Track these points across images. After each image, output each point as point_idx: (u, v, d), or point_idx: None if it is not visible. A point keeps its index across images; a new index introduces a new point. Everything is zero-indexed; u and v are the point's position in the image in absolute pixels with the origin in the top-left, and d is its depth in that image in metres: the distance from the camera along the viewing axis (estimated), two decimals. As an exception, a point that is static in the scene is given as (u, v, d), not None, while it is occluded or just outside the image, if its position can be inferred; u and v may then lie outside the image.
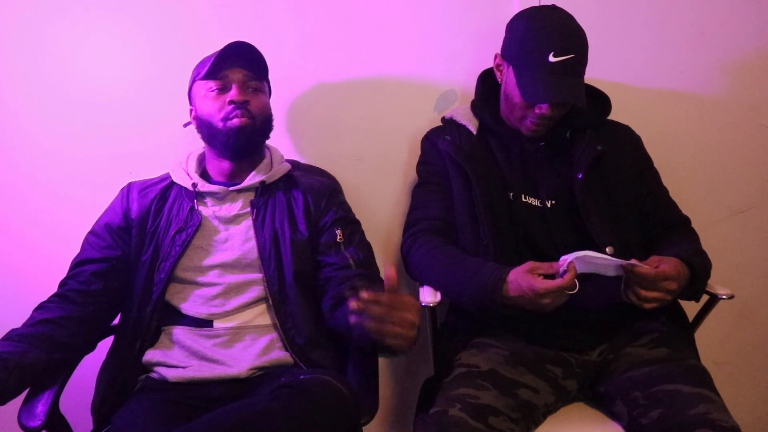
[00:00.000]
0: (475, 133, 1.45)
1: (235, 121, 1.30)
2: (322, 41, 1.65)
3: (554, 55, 1.28)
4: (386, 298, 1.00)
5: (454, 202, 1.42)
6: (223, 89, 1.32)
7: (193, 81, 1.37)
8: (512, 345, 1.27)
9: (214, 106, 1.32)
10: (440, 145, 1.45)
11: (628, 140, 1.46)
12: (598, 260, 1.16)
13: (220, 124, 1.31)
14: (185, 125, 1.43)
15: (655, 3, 1.66)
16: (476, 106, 1.48)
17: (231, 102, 1.30)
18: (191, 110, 1.39)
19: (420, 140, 1.55)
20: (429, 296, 1.31)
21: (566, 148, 1.40)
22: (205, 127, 1.34)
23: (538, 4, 1.65)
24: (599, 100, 1.46)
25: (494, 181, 1.39)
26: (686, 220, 1.45)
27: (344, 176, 1.61)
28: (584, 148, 1.38)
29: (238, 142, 1.31)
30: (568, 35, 1.30)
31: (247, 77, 1.33)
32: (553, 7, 1.35)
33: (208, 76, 1.32)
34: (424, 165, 1.52)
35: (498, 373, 1.20)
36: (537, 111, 1.32)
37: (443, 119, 1.52)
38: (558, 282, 1.13)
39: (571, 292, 1.15)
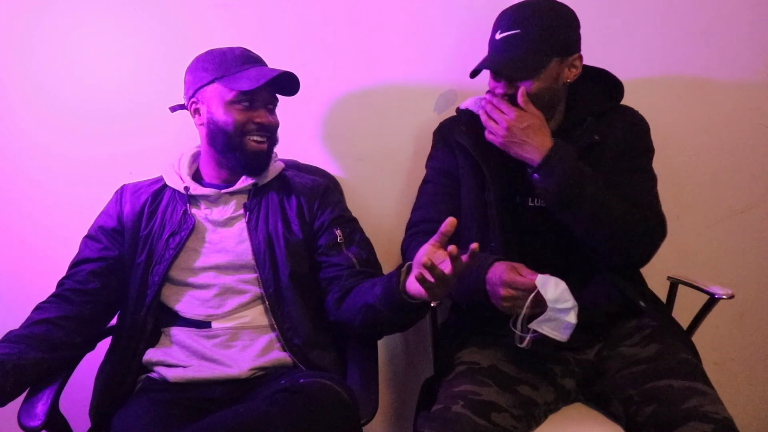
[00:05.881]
0: None
1: (257, 146, 1.31)
2: (322, 42, 1.65)
3: (500, 32, 1.30)
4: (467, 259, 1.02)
5: (461, 202, 1.39)
6: (250, 105, 1.30)
7: (212, 80, 1.31)
8: (511, 342, 1.26)
9: (239, 120, 1.29)
10: (457, 138, 1.40)
11: (628, 128, 1.38)
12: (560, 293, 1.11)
13: (237, 139, 1.30)
14: (173, 109, 1.40)
15: (656, 2, 1.66)
16: None
17: (259, 124, 1.30)
18: (193, 102, 1.35)
19: (419, 137, 1.52)
20: None
21: (564, 137, 1.34)
22: (221, 135, 1.31)
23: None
24: (608, 87, 1.41)
25: (507, 181, 1.35)
26: (648, 210, 1.32)
27: (344, 176, 1.61)
28: (579, 136, 1.34)
29: (259, 164, 1.33)
30: (518, 12, 1.30)
31: (271, 97, 1.34)
32: None
33: (243, 92, 1.28)
34: (432, 161, 1.48)
35: (499, 369, 1.20)
36: (489, 89, 1.33)
37: (458, 110, 1.46)
38: (521, 278, 1.13)
39: (521, 333, 1.14)
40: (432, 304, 1.24)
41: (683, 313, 1.44)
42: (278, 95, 1.38)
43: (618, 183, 1.30)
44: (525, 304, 1.12)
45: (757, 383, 1.84)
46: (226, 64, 1.31)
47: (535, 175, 1.26)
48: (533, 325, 1.11)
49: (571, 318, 1.09)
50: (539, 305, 1.10)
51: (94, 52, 1.61)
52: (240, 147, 1.30)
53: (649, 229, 1.30)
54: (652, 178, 1.38)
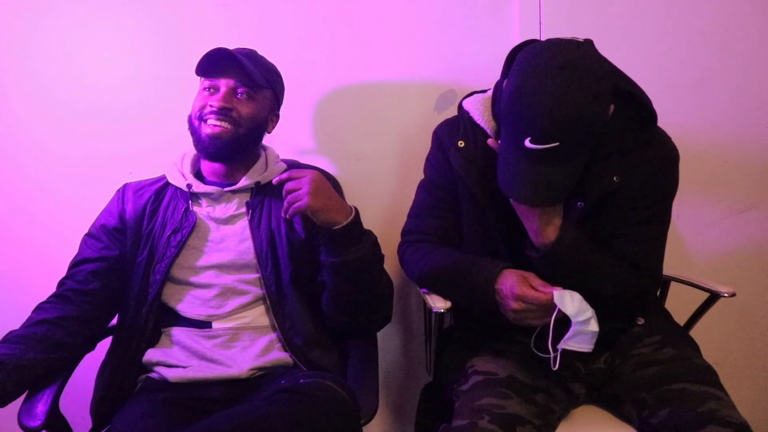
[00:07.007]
0: (493, 135, 1.27)
1: (210, 129, 1.30)
2: (322, 42, 1.65)
3: (531, 141, 1.06)
4: (285, 175, 1.18)
5: (462, 213, 1.34)
6: (212, 89, 1.33)
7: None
8: (523, 350, 1.23)
9: (200, 104, 1.33)
10: (451, 158, 1.31)
11: (654, 168, 1.24)
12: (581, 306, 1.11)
13: (196, 123, 1.33)
14: None
15: (655, 3, 1.66)
16: (497, 99, 1.26)
17: (211, 106, 1.30)
18: None
19: (419, 138, 1.50)
20: (440, 302, 1.26)
21: (583, 177, 1.17)
22: (189, 123, 1.35)
23: (538, 6, 1.66)
24: (641, 114, 1.23)
25: (508, 207, 1.23)
26: (646, 273, 1.26)
27: (344, 176, 1.61)
28: (598, 175, 1.20)
29: (210, 147, 1.32)
30: (554, 117, 1.04)
31: (238, 83, 1.32)
32: (558, 67, 1.06)
33: (200, 72, 1.33)
34: (428, 168, 1.41)
35: (517, 379, 1.18)
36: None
37: (460, 107, 1.36)
38: (534, 293, 1.12)
39: (545, 355, 1.13)
40: (434, 310, 1.24)
41: (680, 311, 1.43)
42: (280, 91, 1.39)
43: (626, 234, 1.24)
44: (534, 316, 1.13)
45: (758, 383, 1.84)
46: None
47: (531, 248, 1.21)
48: (562, 345, 1.11)
49: (593, 327, 1.10)
50: (549, 314, 1.11)
51: (94, 52, 1.61)
52: (197, 132, 1.33)
53: (642, 291, 1.28)
54: (664, 227, 1.30)
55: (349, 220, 1.19)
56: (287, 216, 1.18)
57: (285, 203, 1.18)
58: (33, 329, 1.19)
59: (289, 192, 1.17)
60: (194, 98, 1.35)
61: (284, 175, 1.19)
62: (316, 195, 1.16)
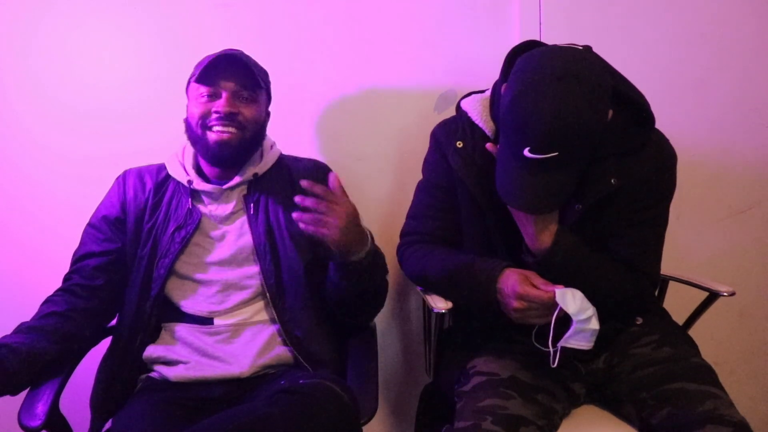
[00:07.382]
0: (491, 136, 1.27)
1: (217, 136, 1.29)
2: (321, 42, 1.65)
3: (531, 151, 1.08)
4: (321, 190, 1.11)
5: (461, 214, 1.33)
6: (213, 96, 1.30)
7: (189, 80, 1.36)
8: (524, 349, 1.23)
9: (200, 111, 1.30)
10: (450, 159, 1.30)
11: (653, 171, 1.24)
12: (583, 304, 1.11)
13: (200, 131, 1.31)
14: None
15: (655, 3, 1.66)
16: (496, 100, 1.26)
17: (216, 112, 1.29)
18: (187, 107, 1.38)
19: (419, 138, 1.48)
20: (440, 302, 1.26)
21: (580, 180, 1.18)
22: (189, 131, 1.34)
23: (538, 6, 1.66)
24: (639, 118, 1.24)
25: (507, 208, 1.22)
26: (643, 275, 1.27)
27: (344, 176, 1.61)
28: (596, 177, 1.20)
29: (218, 153, 1.31)
30: (553, 128, 1.05)
31: (240, 87, 1.31)
32: (557, 78, 1.06)
33: (200, 80, 1.30)
34: (426, 168, 1.40)
35: (518, 379, 1.17)
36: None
37: (458, 107, 1.36)
38: (535, 292, 1.12)
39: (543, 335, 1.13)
40: (435, 310, 1.24)
41: (679, 310, 1.44)
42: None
43: (624, 236, 1.25)
44: (536, 314, 1.13)
45: (758, 383, 1.84)
46: (200, 63, 1.33)
47: (527, 253, 1.22)
48: (562, 343, 1.12)
49: (594, 324, 1.10)
50: (551, 313, 1.11)
51: (94, 52, 1.61)
52: (202, 140, 1.31)
53: (639, 293, 1.28)
54: (662, 229, 1.30)
55: (364, 253, 1.19)
56: (303, 227, 1.11)
57: (308, 217, 1.10)
58: (43, 321, 1.21)
59: (318, 211, 1.10)
60: (189, 105, 1.34)
61: (318, 189, 1.11)
62: (346, 233, 1.13)
